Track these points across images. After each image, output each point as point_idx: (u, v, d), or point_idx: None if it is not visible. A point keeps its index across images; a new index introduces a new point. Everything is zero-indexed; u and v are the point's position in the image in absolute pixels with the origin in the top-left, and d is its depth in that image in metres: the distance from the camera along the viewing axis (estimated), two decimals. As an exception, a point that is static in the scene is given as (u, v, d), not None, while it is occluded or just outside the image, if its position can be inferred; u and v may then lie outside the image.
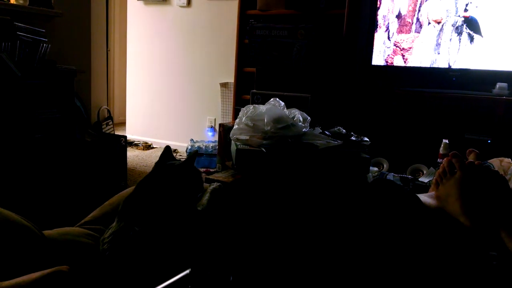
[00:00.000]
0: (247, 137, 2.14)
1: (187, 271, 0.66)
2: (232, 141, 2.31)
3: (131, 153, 4.07)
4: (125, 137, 3.16)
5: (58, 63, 2.63)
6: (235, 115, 3.34)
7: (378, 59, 3.02)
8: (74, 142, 2.75)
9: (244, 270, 0.81)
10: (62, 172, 2.65)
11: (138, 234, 0.86)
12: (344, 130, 2.32)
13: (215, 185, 1.07)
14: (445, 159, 1.12)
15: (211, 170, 3.38)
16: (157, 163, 1.03)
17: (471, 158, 1.21)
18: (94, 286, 0.83)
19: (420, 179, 2.43)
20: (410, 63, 2.94)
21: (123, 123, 5.05)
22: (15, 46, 2.38)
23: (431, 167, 2.50)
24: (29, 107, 2.49)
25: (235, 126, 2.23)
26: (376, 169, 2.60)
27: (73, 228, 1.06)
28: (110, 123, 4.19)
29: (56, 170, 2.61)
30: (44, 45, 2.52)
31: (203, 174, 2.86)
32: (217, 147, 3.16)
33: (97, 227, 1.06)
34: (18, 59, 2.39)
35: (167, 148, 1.07)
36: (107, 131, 3.82)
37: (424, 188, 2.27)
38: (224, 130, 2.88)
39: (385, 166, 2.68)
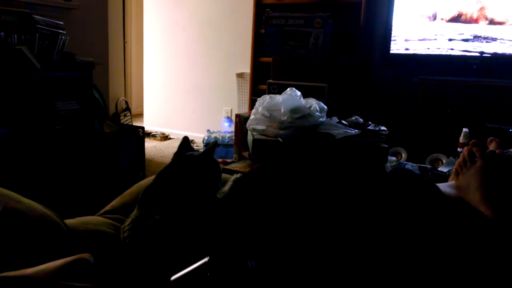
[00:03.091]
0: (264, 127, 2.14)
1: (206, 259, 0.67)
2: (249, 131, 2.31)
3: (148, 143, 4.11)
4: (143, 128, 3.19)
5: (76, 55, 2.66)
6: (252, 105, 3.33)
7: (396, 47, 2.97)
8: (94, 133, 2.80)
9: (262, 258, 0.81)
10: (82, 163, 2.70)
11: (158, 222, 0.88)
12: (361, 120, 2.30)
13: (238, 175, 1.07)
14: (465, 148, 1.10)
15: (227, 160, 3.40)
16: (176, 154, 1.04)
17: (492, 146, 1.18)
18: (115, 273, 0.85)
19: (439, 169, 2.40)
20: (429, 51, 2.88)
21: (140, 114, 5.10)
22: (34, 39, 2.42)
23: (451, 157, 2.46)
24: (49, 99, 2.54)
25: (252, 117, 2.23)
26: (394, 158, 2.58)
27: (94, 217, 1.08)
28: (128, 114, 4.24)
29: (76, 161, 2.66)
30: (63, 37, 2.55)
31: (220, 164, 2.87)
32: (233, 137, 3.17)
33: (117, 216, 1.08)
34: (38, 51, 2.43)
35: (185, 138, 1.08)
36: (125, 122, 3.87)
37: (444, 177, 2.24)
38: (241, 121, 2.88)
39: (403, 155, 2.65)
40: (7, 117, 2.30)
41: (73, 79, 2.65)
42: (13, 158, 2.31)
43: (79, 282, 0.61)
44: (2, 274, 0.58)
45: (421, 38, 2.88)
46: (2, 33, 2.35)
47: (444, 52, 2.83)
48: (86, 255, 0.65)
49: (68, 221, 0.97)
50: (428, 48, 2.89)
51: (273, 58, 3.11)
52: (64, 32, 2.59)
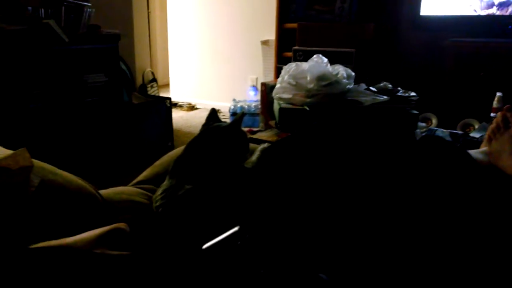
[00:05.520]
0: (290, 96, 2.13)
1: (236, 228, 0.68)
2: (275, 100, 2.30)
3: (176, 114, 4.15)
4: (170, 98, 3.22)
5: (102, 28, 2.67)
6: (277, 73, 3.30)
7: (426, 9, 2.85)
8: (122, 105, 2.84)
9: (292, 226, 0.82)
10: (113, 135, 2.76)
11: (188, 192, 0.90)
12: (390, 86, 2.25)
13: (265, 144, 1.08)
14: (499, 113, 1.07)
15: (254, 129, 3.40)
16: (204, 125, 1.05)
17: (528, 111, 1.14)
18: (149, 242, 0.88)
19: (471, 135, 2.33)
20: (461, 11, 2.75)
21: (167, 85, 5.13)
22: (60, 13, 2.44)
23: (483, 122, 2.39)
24: (78, 72, 2.58)
25: (278, 85, 2.21)
26: (424, 124, 2.52)
27: (127, 188, 1.11)
28: (155, 85, 4.27)
29: (106, 133, 2.73)
30: (88, 9, 2.56)
31: (247, 133, 2.88)
32: (259, 106, 3.16)
33: (149, 186, 1.11)
34: (64, 25, 2.45)
35: (213, 110, 1.09)
36: (152, 93, 3.90)
37: (476, 144, 2.18)
38: (266, 89, 2.86)
39: (433, 121, 2.59)
40: (37, 91, 2.35)
41: (100, 51, 2.67)
42: (46, 131, 2.39)
43: (116, 251, 0.64)
44: (43, 244, 0.61)
45: (454, -2, 2.76)
46: (30, 8, 2.38)
47: (477, 13, 2.70)
48: (122, 225, 0.68)
49: (103, 192, 1.00)
50: (460, 9, 2.76)
51: (298, 24, 3.04)
52: (89, 4, 2.60)
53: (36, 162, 0.84)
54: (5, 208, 0.75)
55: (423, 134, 2.29)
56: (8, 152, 0.83)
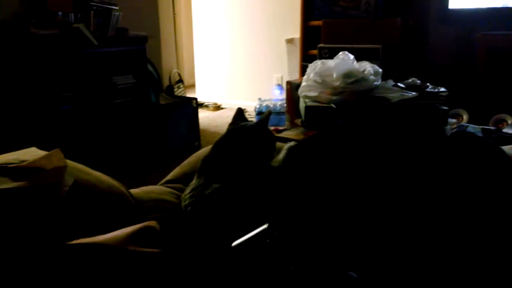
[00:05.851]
0: (316, 94, 2.11)
1: (265, 226, 0.68)
2: (301, 98, 2.29)
3: (202, 114, 4.19)
4: (196, 99, 3.25)
5: (129, 30, 2.72)
6: (303, 71, 3.28)
7: (455, 2, 2.78)
8: (150, 106, 2.89)
9: (320, 224, 0.82)
10: (141, 135, 2.81)
11: (216, 190, 0.90)
12: (419, 81, 2.20)
13: (292, 143, 1.08)
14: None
15: (279, 128, 3.40)
16: (231, 124, 1.06)
17: None
18: (179, 239, 0.89)
19: (504, 130, 2.26)
20: (492, 4, 2.67)
21: (193, 85, 5.18)
22: (89, 16, 2.50)
23: (517, 117, 2.32)
24: (107, 74, 2.64)
25: (303, 83, 2.20)
26: (454, 121, 2.47)
27: (156, 187, 1.13)
28: (181, 85, 4.33)
29: (136, 134, 2.78)
30: (115, 13, 2.62)
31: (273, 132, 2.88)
32: (285, 105, 3.16)
33: (178, 186, 1.13)
34: (93, 28, 2.51)
35: (239, 110, 1.10)
36: (179, 94, 3.95)
37: (509, 139, 2.12)
38: (292, 88, 2.85)
39: (464, 117, 2.53)
40: (70, 94, 2.42)
41: (128, 53, 2.73)
42: (78, 133, 2.45)
43: (147, 248, 0.65)
44: (77, 241, 0.63)
45: (484, -10, 2.68)
46: (60, 13, 2.45)
47: (509, 4, 2.62)
48: (152, 223, 0.69)
49: (133, 191, 1.02)
50: (490, 1, 2.68)
51: (323, 21, 3.02)
52: (117, 8, 2.66)
53: (69, 162, 0.87)
54: (40, 207, 0.77)
55: (454, 130, 2.23)
56: (43, 153, 0.85)
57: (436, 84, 2.17)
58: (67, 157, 0.85)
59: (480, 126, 2.27)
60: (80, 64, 2.53)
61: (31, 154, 0.86)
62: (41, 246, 0.58)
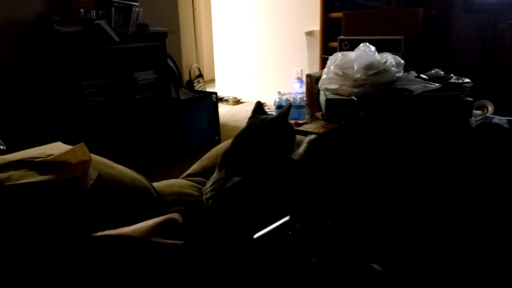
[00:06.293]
0: (337, 86, 2.09)
1: (287, 218, 0.68)
2: (321, 91, 2.27)
3: (222, 108, 4.20)
4: (216, 93, 3.26)
5: (150, 26, 2.75)
6: (323, 64, 3.26)
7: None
8: (171, 101, 2.91)
9: (339, 218, 0.81)
10: (163, 130, 2.84)
11: (237, 183, 0.91)
12: (442, 72, 2.16)
13: (312, 136, 1.07)
14: None
15: (299, 121, 3.38)
16: (250, 118, 1.06)
17: None
18: (201, 232, 0.90)
19: (531, 121, 2.20)
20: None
21: (212, 80, 5.20)
22: (110, 13, 2.53)
23: (545, 108, 2.25)
24: (128, 70, 2.67)
25: (324, 76, 2.19)
26: (479, 112, 2.41)
27: (178, 180, 1.14)
28: (201, 80, 4.35)
29: (157, 128, 2.81)
30: (136, 9, 2.64)
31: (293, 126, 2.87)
32: (305, 98, 3.14)
33: (199, 179, 1.14)
34: (114, 25, 2.55)
35: (258, 103, 1.09)
36: (199, 89, 3.98)
37: (537, 131, 2.06)
38: (312, 81, 2.83)
39: (490, 108, 2.46)
40: (92, 90, 2.46)
41: (149, 49, 2.75)
42: (101, 127, 2.49)
43: (170, 240, 0.66)
44: (102, 233, 0.64)
45: (511, -23, 2.60)
46: (82, 10, 2.49)
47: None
48: (175, 215, 0.70)
49: (155, 184, 1.04)
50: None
51: (343, 12, 2.98)
52: (137, 4, 2.68)
53: (93, 156, 0.89)
54: (66, 200, 0.79)
55: (479, 122, 2.18)
56: (68, 147, 0.87)
57: (460, 75, 2.12)
58: (91, 151, 0.87)
59: (506, 118, 2.21)
60: (102, 61, 2.57)
61: (57, 148, 0.88)
62: (67, 238, 0.60)
